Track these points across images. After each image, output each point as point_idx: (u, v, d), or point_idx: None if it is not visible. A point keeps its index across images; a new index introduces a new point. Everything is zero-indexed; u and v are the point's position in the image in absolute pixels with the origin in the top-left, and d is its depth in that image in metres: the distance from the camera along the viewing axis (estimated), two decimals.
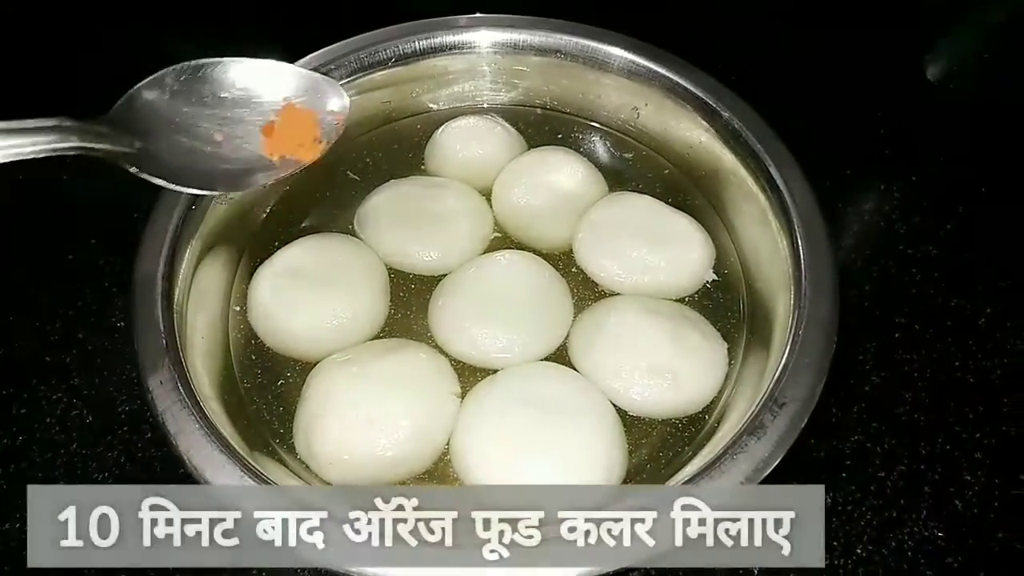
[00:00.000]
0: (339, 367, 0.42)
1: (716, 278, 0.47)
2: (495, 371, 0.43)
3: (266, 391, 0.44)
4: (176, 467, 0.35)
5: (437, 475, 0.41)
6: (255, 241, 0.49)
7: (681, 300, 0.47)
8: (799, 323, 0.38)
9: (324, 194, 0.52)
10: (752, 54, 0.66)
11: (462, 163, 0.52)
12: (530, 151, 0.52)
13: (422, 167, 0.53)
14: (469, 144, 0.52)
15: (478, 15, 0.50)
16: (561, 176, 0.50)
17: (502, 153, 0.52)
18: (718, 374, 0.44)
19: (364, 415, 0.40)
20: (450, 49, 0.50)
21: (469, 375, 0.44)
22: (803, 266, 0.40)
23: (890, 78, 0.67)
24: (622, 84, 0.49)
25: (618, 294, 0.47)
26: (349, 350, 0.43)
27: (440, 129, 0.53)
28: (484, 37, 0.50)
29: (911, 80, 0.68)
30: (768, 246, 0.44)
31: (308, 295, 0.44)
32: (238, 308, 0.47)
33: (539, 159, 0.51)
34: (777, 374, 0.37)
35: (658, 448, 0.42)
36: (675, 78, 0.48)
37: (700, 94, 0.47)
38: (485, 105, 0.55)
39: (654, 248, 0.46)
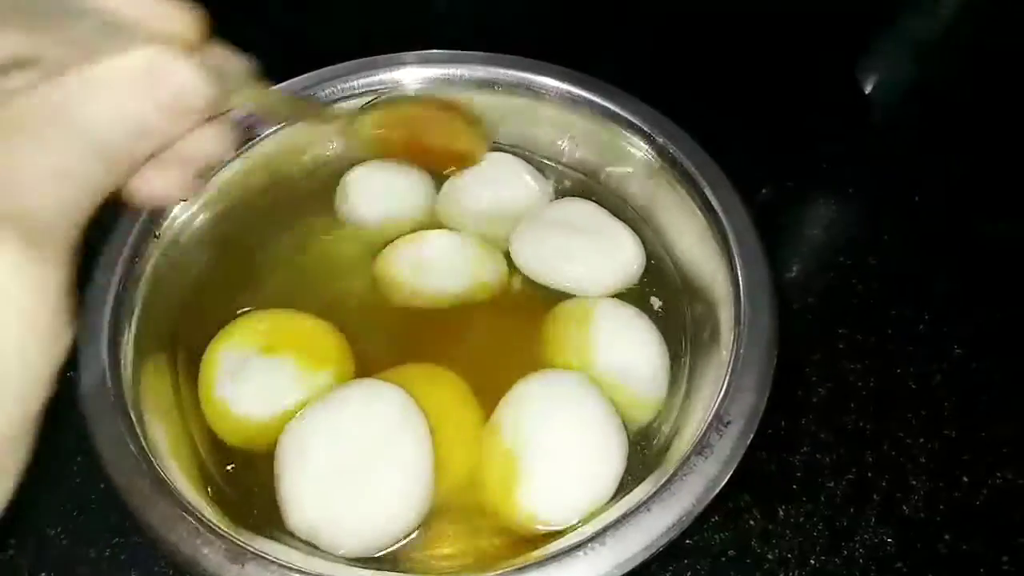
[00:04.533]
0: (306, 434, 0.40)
1: (663, 291, 0.48)
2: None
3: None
4: None
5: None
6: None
7: None
8: (740, 342, 0.39)
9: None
10: (687, 76, 0.68)
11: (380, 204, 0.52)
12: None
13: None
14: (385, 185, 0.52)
15: (417, 52, 0.51)
16: (506, 180, 0.52)
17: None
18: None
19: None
20: (389, 86, 0.51)
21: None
22: (741, 286, 0.41)
23: (825, 92, 0.70)
24: (557, 114, 0.50)
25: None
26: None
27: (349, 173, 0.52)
28: (419, 73, 0.51)
29: (846, 94, 0.70)
30: (708, 267, 0.45)
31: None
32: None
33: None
34: (721, 393, 0.38)
35: None
36: (610, 106, 0.48)
37: (635, 121, 0.48)
38: None
39: (580, 238, 0.48)
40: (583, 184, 0.54)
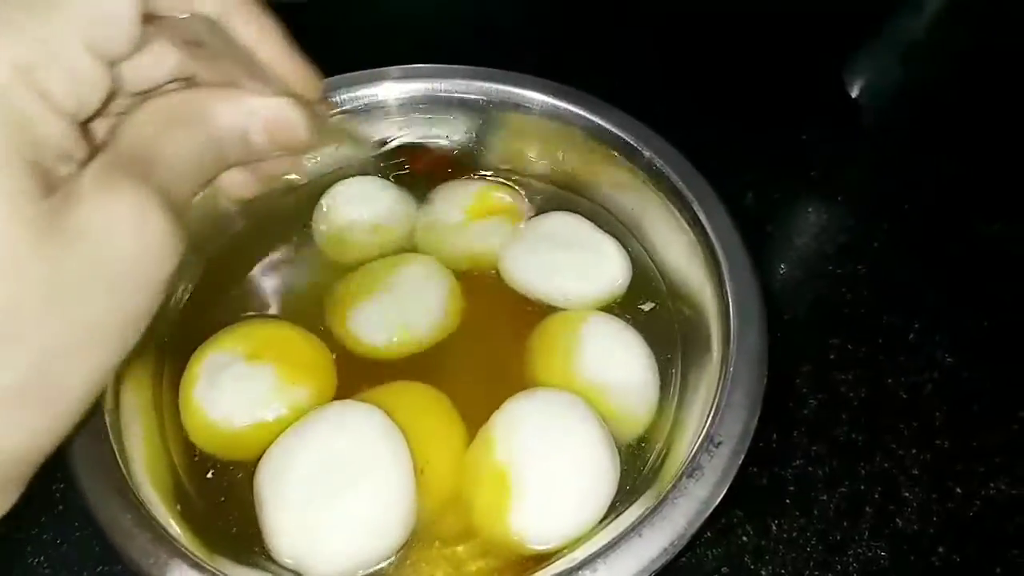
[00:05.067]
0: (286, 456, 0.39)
1: (651, 306, 0.48)
2: None
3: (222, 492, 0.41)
4: None
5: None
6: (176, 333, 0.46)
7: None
8: (729, 360, 0.39)
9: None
10: (672, 80, 0.67)
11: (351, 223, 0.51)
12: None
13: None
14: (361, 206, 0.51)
15: (401, 67, 0.50)
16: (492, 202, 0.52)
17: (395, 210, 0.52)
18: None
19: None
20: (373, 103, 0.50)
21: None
22: (730, 302, 0.40)
23: (813, 100, 0.69)
24: (543, 127, 0.50)
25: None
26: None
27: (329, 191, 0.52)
28: (403, 88, 0.50)
29: (834, 101, 0.70)
30: (696, 282, 0.44)
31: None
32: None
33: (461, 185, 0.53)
34: (711, 413, 0.37)
35: None
36: (596, 119, 0.48)
37: (621, 134, 0.47)
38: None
39: (565, 251, 0.48)
40: (570, 197, 0.53)
